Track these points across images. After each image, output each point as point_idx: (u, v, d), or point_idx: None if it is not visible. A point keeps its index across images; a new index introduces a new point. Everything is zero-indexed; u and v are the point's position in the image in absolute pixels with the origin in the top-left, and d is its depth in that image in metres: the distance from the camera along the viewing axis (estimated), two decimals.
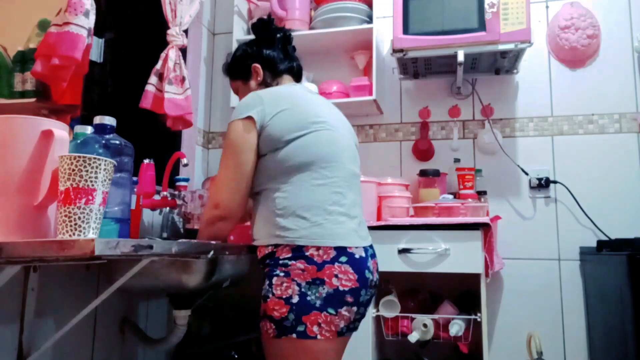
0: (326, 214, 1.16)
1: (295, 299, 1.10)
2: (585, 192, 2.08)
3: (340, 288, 1.12)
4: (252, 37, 1.51)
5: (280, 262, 1.14)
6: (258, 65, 1.41)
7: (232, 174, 1.22)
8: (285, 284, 1.11)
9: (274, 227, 1.17)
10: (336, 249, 1.14)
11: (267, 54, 1.42)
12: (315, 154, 1.19)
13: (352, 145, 1.33)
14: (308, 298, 1.10)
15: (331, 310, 1.11)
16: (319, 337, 1.09)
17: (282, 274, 1.12)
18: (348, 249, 1.15)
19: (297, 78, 1.47)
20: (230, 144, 1.23)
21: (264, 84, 1.41)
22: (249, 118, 1.21)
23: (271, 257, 1.17)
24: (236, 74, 1.47)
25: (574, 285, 2.05)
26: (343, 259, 1.14)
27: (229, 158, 1.23)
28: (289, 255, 1.13)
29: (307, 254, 1.12)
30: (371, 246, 1.27)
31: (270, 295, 1.12)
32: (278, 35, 1.45)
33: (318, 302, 1.10)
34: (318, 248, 1.12)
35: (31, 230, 0.86)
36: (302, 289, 1.10)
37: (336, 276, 1.12)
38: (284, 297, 1.10)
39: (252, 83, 1.42)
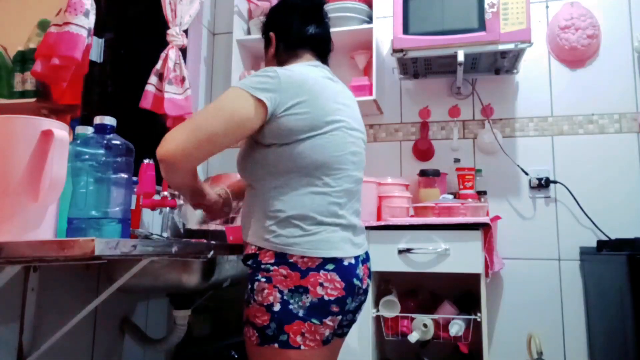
0: (320, 225, 1.08)
1: (277, 307, 1.03)
2: (585, 192, 2.08)
3: (326, 297, 1.04)
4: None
5: (262, 266, 1.07)
6: (273, 35, 1.26)
7: (210, 127, 1.04)
8: (266, 291, 1.04)
9: (262, 228, 1.09)
10: (324, 258, 1.06)
11: (283, 21, 1.26)
12: (323, 159, 1.09)
13: (361, 148, 1.23)
14: (290, 307, 1.03)
15: (315, 320, 1.04)
16: (302, 347, 1.03)
17: (263, 280, 1.05)
18: (337, 257, 1.08)
19: (321, 52, 1.29)
20: (228, 104, 1.07)
21: (277, 60, 1.26)
22: (261, 101, 1.06)
23: (253, 258, 1.10)
24: (264, 38, 1.32)
25: (574, 285, 2.05)
26: (330, 266, 1.06)
27: (218, 112, 1.06)
28: (272, 260, 1.06)
29: (290, 260, 1.05)
30: (365, 253, 1.19)
31: (252, 301, 1.07)
32: (299, 2, 1.28)
33: (301, 312, 1.03)
34: (303, 256, 1.05)
35: (31, 230, 0.86)
36: (284, 297, 1.03)
37: (321, 285, 1.04)
38: (265, 304, 1.04)
39: (269, 53, 1.28)
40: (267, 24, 1.31)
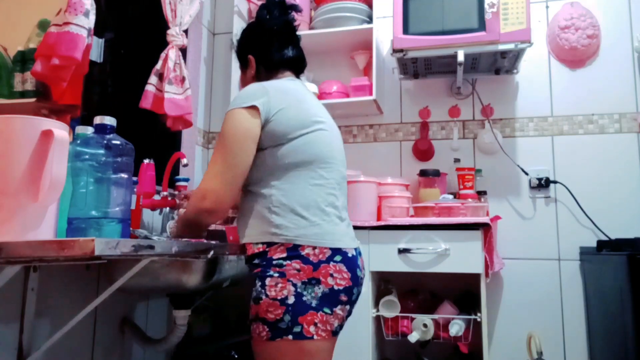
0: (323, 214, 1.15)
1: (291, 300, 1.08)
2: (585, 192, 2.08)
3: (335, 287, 1.11)
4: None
5: (274, 262, 1.11)
6: (252, 58, 1.35)
7: (230, 163, 1.14)
8: (280, 285, 1.09)
9: (267, 224, 1.14)
10: (332, 249, 1.13)
11: (262, 45, 1.34)
12: (315, 153, 1.18)
13: (342, 148, 1.32)
14: (304, 298, 1.08)
15: (327, 310, 1.10)
16: (315, 337, 1.08)
17: (276, 275, 1.10)
18: (342, 249, 1.15)
19: (298, 70, 1.39)
20: (229, 131, 1.15)
21: (257, 79, 1.34)
22: (253, 107, 1.15)
23: (262, 256, 1.14)
24: (238, 58, 1.42)
25: (574, 285, 2.05)
26: (338, 258, 1.13)
27: (227, 145, 1.15)
28: (284, 255, 1.11)
29: (302, 253, 1.10)
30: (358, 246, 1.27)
31: (264, 297, 1.09)
32: (275, 27, 1.35)
33: (314, 302, 1.08)
34: (314, 247, 1.11)
35: (31, 230, 0.86)
36: (298, 289, 1.08)
37: (331, 275, 1.11)
38: (279, 298, 1.08)
39: (248, 74, 1.37)
40: (243, 46, 1.39)
